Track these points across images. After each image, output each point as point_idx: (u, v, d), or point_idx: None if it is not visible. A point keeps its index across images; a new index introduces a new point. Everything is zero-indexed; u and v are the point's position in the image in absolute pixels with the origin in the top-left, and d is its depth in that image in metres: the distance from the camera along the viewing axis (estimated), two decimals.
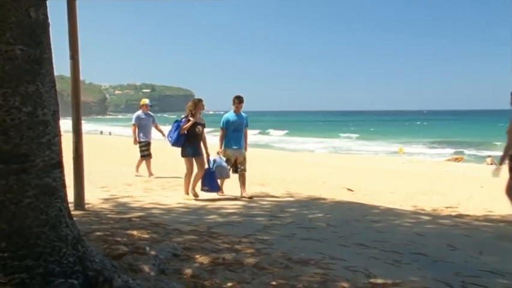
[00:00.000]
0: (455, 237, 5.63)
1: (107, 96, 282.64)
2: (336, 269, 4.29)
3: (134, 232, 5.44)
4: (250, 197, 8.41)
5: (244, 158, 8.77)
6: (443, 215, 7.67)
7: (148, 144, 11.54)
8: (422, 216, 7.05)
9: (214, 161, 8.48)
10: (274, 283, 3.86)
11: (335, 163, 20.46)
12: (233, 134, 8.68)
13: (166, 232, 5.54)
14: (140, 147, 11.57)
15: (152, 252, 4.23)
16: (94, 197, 8.03)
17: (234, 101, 8.87)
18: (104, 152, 19.56)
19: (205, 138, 8.65)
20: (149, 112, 11.86)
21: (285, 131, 65.25)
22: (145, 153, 11.51)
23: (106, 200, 8.03)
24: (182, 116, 8.70)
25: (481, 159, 28.62)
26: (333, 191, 10.20)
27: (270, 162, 18.21)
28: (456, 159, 28.75)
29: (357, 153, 32.77)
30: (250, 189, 9.14)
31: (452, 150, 35.68)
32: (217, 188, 8.48)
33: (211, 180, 8.35)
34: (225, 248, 4.90)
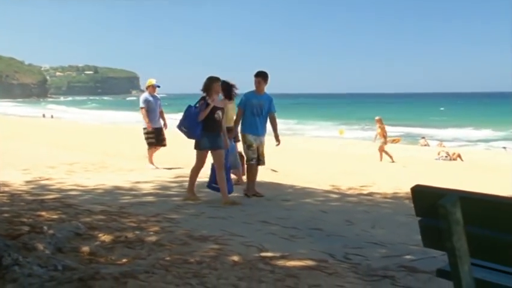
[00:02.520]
0: (355, 213, 6.00)
1: (47, 78, 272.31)
2: (232, 244, 4.51)
3: (43, 213, 5.48)
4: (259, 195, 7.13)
5: (263, 148, 7.38)
6: (351, 194, 8.07)
7: (155, 131, 10.06)
8: (332, 195, 7.43)
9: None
10: (168, 258, 4.02)
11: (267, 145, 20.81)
12: (251, 119, 7.17)
13: (76, 213, 5.59)
14: (146, 133, 10.11)
15: (50, 231, 4.31)
16: (14, 179, 7.96)
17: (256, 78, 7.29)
18: (42, 136, 19.21)
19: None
20: (157, 95, 10.38)
21: None
22: (152, 141, 10.09)
23: (27, 182, 7.96)
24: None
25: (416, 140, 30.02)
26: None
27: None
28: (393, 141, 29.95)
29: (294, 136, 33.24)
30: (180, 170, 9.27)
31: (395, 133, 36.81)
32: (231, 188, 6.89)
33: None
34: (130, 226, 5.03)
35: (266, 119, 7.33)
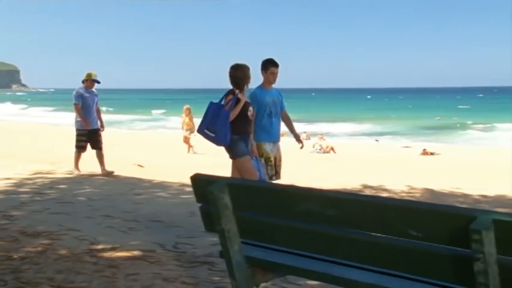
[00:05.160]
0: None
1: None
2: (65, 239, 4.52)
3: None
4: None
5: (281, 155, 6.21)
6: None
7: (89, 133, 8.82)
8: (186, 188, 7.59)
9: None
10: None
11: (133, 139, 20.73)
12: (267, 120, 5.98)
13: None
14: (78, 135, 8.88)
15: None
16: None
17: (264, 67, 6.02)
18: None
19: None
20: (94, 90, 9.08)
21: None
22: (82, 145, 8.84)
23: None
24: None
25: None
26: (125, 167, 10.38)
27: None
28: (281, 135, 30.76)
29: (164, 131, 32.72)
30: (40, 166, 8.96)
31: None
32: None
33: None
34: None
35: (280, 119, 6.25)
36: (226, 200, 2.49)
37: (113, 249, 4.25)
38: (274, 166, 5.98)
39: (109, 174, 8.74)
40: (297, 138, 6.40)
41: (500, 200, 8.02)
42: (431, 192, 8.53)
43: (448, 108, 62.22)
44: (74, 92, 8.88)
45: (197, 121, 7.75)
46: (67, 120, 25.29)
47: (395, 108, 66.57)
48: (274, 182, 5.79)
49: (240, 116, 5.53)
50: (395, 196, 7.84)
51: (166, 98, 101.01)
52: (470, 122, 42.27)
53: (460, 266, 1.91)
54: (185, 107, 17.16)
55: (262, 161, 5.87)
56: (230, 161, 5.83)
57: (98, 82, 9.05)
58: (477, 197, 8.20)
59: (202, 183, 2.60)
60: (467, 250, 1.84)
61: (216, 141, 5.56)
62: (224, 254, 2.58)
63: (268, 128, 5.96)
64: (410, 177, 10.99)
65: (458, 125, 41.14)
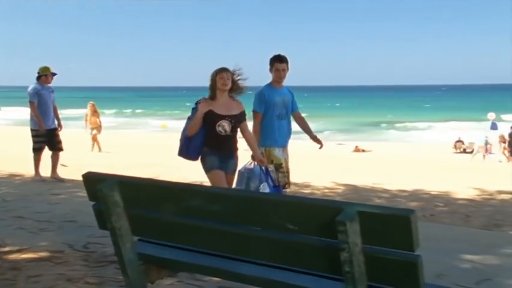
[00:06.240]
0: None
1: None
2: None
3: None
4: None
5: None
6: None
7: (47, 133, 8.08)
8: None
9: (251, 176, 5.04)
10: None
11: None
12: (277, 123, 5.39)
13: None
14: (34, 136, 8.11)
15: None
16: None
17: (269, 64, 5.45)
18: None
19: (249, 135, 5.09)
20: (50, 86, 8.29)
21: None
22: (40, 146, 8.13)
23: None
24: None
25: None
26: (48, 167, 10.06)
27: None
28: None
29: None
30: None
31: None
32: None
33: None
34: None
35: (290, 121, 5.64)
36: (117, 197, 2.48)
37: (19, 251, 4.13)
38: (286, 172, 5.42)
39: (59, 181, 8.19)
40: (315, 138, 5.64)
41: (416, 194, 8.40)
42: (354, 187, 8.82)
43: (391, 107, 63.84)
44: (29, 89, 8.06)
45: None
46: None
47: (329, 107, 68.15)
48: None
49: (208, 128, 4.78)
50: (317, 192, 8.06)
51: (111, 96, 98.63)
52: (403, 120, 43.96)
53: (330, 257, 2.00)
54: (89, 104, 16.39)
55: (272, 167, 5.22)
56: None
57: (55, 74, 8.26)
58: (395, 192, 8.56)
59: (93, 181, 2.59)
60: (335, 241, 1.93)
61: (184, 154, 4.95)
62: (116, 251, 2.57)
63: (278, 131, 5.38)
64: (338, 173, 11.31)
65: (392, 123, 42.71)
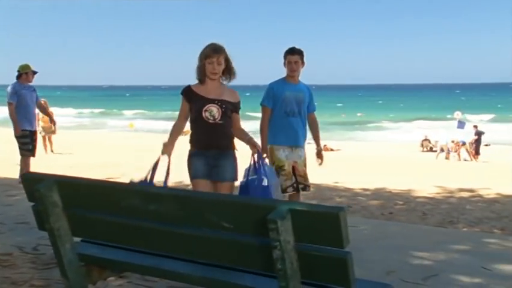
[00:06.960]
0: None
1: None
2: None
3: None
4: None
5: (305, 165, 5.12)
6: None
7: (30, 134, 7.70)
8: None
9: (261, 171, 3.97)
10: None
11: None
12: (284, 120, 4.93)
13: None
14: (18, 138, 7.61)
15: None
16: None
17: (285, 57, 4.97)
18: None
19: (239, 128, 4.06)
20: (31, 84, 7.86)
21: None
22: (29, 148, 7.66)
23: None
24: None
25: None
26: (6, 167, 9.85)
27: None
28: (184, 133, 30.91)
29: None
30: None
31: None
32: None
33: None
34: None
35: (306, 121, 5.12)
36: (55, 198, 2.44)
37: None
38: (293, 176, 4.96)
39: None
40: (318, 152, 5.21)
41: (378, 193, 8.51)
42: (316, 187, 8.83)
43: (365, 107, 64.05)
44: (9, 88, 7.60)
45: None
46: None
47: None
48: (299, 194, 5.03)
49: (194, 118, 3.92)
50: None
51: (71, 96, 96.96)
52: (374, 119, 44.52)
53: (265, 254, 2.00)
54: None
55: (272, 168, 4.62)
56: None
57: (36, 72, 7.86)
58: (358, 191, 8.65)
59: (31, 181, 2.53)
60: (268, 239, 1.93)
61: None
62: (55, 252, 2.53)
63: (285, 128, 4.91)
64: None
65: (362, 122, 43.23)
